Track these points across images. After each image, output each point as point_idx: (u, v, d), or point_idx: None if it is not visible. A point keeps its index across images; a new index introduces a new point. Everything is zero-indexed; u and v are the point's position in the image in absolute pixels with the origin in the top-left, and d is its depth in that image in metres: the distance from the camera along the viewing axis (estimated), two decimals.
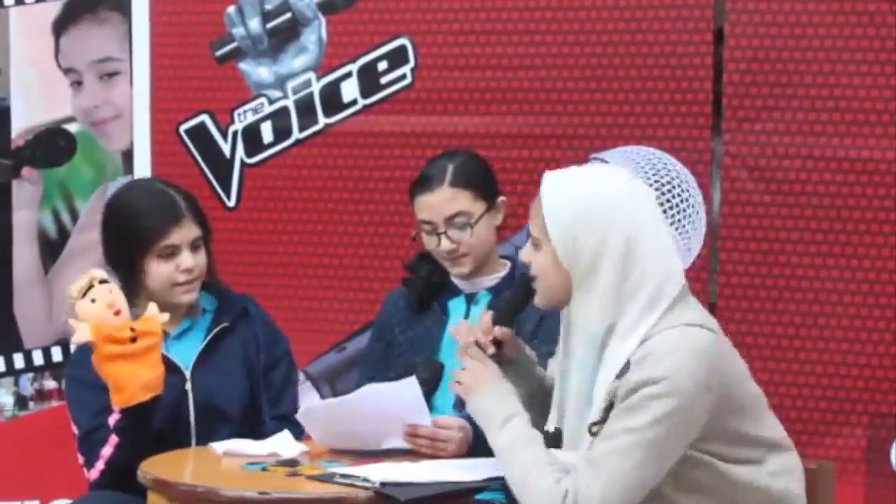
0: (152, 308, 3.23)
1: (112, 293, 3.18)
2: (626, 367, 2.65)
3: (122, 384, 3.14)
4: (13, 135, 4.53)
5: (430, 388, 3.28)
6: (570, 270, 2.69)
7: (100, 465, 3.23)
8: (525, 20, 4.03)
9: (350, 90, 4.21)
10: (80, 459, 3.31)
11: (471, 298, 3.44)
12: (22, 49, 4.57)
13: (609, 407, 2.65)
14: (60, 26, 4.50)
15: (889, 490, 3.78)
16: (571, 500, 2.64)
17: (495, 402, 2.79)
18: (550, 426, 2.78)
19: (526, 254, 2.81)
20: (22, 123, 4.54)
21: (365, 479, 2.75)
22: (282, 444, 3.07)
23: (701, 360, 2.63)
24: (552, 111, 4.03)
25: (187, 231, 3.34)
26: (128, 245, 3.38)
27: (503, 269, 3.47)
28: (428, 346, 3.43)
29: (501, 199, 3.42)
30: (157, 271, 3.33)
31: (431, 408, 3.29)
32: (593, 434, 2.66)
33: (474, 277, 3.42)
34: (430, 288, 3.47)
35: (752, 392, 2.74)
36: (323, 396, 4.27)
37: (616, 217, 2.68)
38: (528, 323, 3.28)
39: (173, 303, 3.34)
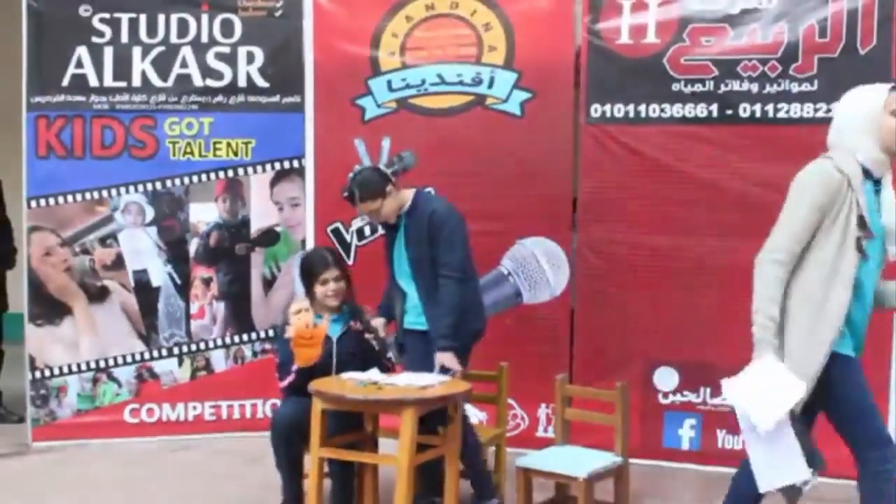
0: (324, 321, 4.23)
1: (308, 312, 4.20)
2: None
3: (300, 356, 4.25)
4: (252, 231, 5.89)
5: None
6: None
7: (285, 384, 4.39)
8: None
9: None
10: (277, 376, 4.45)
11: (399, 218, 4.52)
12: (255, 194, 5.90)
13: None
14: (273, 182, 5.93)
15: None
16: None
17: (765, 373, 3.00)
18: None
19: None
20: (255, 226, 5.92)
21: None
22: (375, 374, 4.21)
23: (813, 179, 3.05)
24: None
25: (333, 272, 4.44)
26: (308, 276, 4.48)
27: (408, 201, 4.46)
28: (390, 248, 4.48)
29: (389, 187, 4.31)
30: (319, 290, 4.45)
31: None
32: None
33: (398, 214, 4.45)
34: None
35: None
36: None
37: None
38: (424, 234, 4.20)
39: (327, 306, 4.44)
